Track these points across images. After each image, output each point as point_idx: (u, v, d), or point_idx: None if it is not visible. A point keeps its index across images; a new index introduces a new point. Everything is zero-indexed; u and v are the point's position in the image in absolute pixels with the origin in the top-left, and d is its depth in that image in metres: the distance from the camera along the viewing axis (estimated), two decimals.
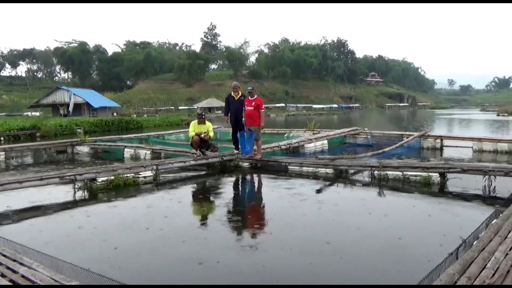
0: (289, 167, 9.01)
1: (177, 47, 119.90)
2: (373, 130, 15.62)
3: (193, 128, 9.57)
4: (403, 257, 4.04)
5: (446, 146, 13.08)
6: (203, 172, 9.46)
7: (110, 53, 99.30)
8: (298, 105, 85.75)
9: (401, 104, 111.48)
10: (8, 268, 3.25)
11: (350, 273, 3.70)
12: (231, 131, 10.45)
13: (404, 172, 7.58)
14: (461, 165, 7.48)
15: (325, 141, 13.23)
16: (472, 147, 12.32)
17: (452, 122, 35.21)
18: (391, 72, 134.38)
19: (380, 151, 10.78)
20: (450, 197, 6.68)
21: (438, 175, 7.32)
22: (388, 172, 7.78)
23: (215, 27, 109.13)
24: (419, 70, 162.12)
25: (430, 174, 7.35)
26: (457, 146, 12.96)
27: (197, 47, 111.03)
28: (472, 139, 12.77)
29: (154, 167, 8.39)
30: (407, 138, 12.87)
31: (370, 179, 7.91)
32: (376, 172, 7.88)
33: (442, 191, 6.99)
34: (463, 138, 13.34)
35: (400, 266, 3.79)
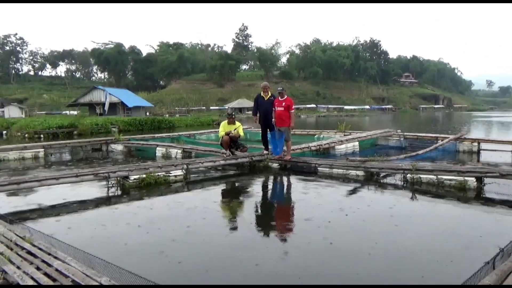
0: (318, 168, 8.91)
1: (209, 48, 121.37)
2: (406, 132, 15.23)
3: (223, 128, 9.65)
4: (438, 266, 3.90)
5: (484, 149, 12.55)
6: (233, 172, 9.51)
7: (144, 54, 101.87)
8: (329, 106, 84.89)
9: (436, 106, 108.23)
10: (43, 261, 3.38)
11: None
12: (260, 131, 10.45)
13: (439, 176, 7.34)
14: (499, 170, 7.15)
15: (356, 143, 13.01)
16: (511, 152, 11.78)
17: (490, 125, 33.82)
18: (426, 73, 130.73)
19: (413, 153, 10.49)
20: (487, 203, 6.40)
21: (475, 180, 7.03)
22: (422, 176, 7.55)
23: (246, 28, 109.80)
24: (456, 71, 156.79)
25: (466, 178, 7.08)
26: (495, 150, 12.40)
27: (228, 47, 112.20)
28: None
29: (185, 166, 8.51)
30: (442, 140, 12.46)
31: (402, 182, 7.70)
32: (408, 175, 7.67)
33: (478, 197, 6.71)
34: (502, 142, 12.77)
35: (434, 274, 3.66)
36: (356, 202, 6.54)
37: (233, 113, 9.99)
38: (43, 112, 56.46)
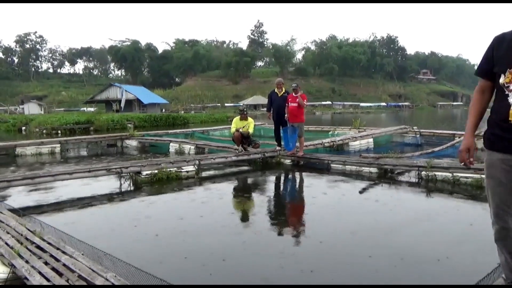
0: (331, 165, 8.81)
1: (225, 45, 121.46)
2: (423, 129, 14.94)
3: (235, 124, 9.63)
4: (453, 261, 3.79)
5: None
6: (245, 168, 9.47)
7: (160, 51, 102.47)
8: (345, 103, 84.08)
9: (455, 103, 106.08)
10: (51, 256, 3.39)
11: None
12: (274, 127, 10.39)
13: (454, 174, 7.15)
14: None
15: (371, 140, 12.82)
16: None
17: None
18: (444, 69, 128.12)
19: (429, 150, 10.28)
20: None
21: None
22: (437, 173, 7.38)
23: (262, 25, 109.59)
24: (476, 67, 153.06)
25: (483, 176, 6.86)
26: None
27: (244, 44, 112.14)
28: None
29: (197, 162, 8.51)
30: (459, 138, 12.18)
31: (416, 179, 7.55)
32: (423, 172, 7.51)
33: None
34: None
35: (448, 276, 3.55)
36: (369, 199, 6.43)
37: (245, 109, 9.96)
38: (62, 109, 57.40)
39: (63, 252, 3.44)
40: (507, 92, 2.18)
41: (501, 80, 2.21)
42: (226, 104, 70.83)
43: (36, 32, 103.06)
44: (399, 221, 5.17)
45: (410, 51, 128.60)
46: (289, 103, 9.29)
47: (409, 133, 14.32)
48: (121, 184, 7.53)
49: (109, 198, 6.78)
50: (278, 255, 4.02)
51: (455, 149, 11.38)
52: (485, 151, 2.41)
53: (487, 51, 2.36)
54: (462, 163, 2.45)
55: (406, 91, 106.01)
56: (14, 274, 3.23)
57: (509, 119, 2.15)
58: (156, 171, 7.80)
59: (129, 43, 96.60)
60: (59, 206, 6.18)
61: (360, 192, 6.97)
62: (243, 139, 9.60)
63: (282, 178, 8.86)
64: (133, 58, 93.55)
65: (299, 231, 4.94)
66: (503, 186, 2.27)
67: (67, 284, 2.91)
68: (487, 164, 2.40)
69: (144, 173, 7.76)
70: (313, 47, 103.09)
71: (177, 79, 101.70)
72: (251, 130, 9.68)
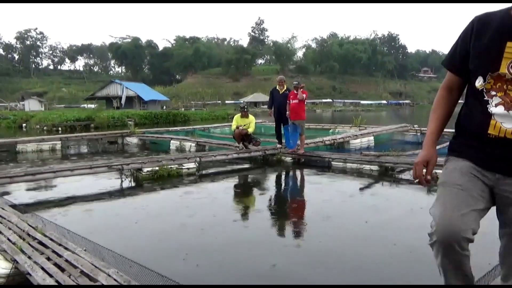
0: (332, 163, 8.82)
1: (225, 42, 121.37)
2: (423, 127, 14.94)
3: (236, 122, 9.64)
4: None
5: None
6: (246, 166, 9.49)
7: (161, 48, 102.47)
8: (346, 100, 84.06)
9: None
10: (54, 252, 3.41)
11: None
12: (274, 125, 10.39)
13: None
14: None
15: (371, 138, 12.83)
16: None
17: None
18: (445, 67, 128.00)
19: None
20: None
21: None
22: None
23: (262, 22, 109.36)
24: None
25: None
26: None
27: (244, 42, 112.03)
28: None
29: (197, 159, 8.52)
30: None
31: None
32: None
33: None
34: None
35: None
36: (369, 196, 6.45)
37: (246, 107, 9.97)
38: (62, 106, 57.43)
39: (65, 248, 3.45)
40: (486, 98, 1.63)
41: (478, 83, 1.65)
42: (226, 102, 70.81)
43: (36, 28, 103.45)
44: (399, 217, 5.18)
45: (411, 49, 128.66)
46: (291, 101, 9.29)
47: (409, 131, 14.33)
48: (122, 181, 7.54)
49: (110, 194, 6.79)
50: (282, 248, 4.04)
51: None
52: (448, 159, 1.91)
53: (463, 35, 1.71)
54: (416, 180, 1.83)
55: (407, 89, 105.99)
56: (17, 269, 3.24)
57: (489, 132, 1.62)
58: (157, 168, 7.81)
59: (129, 40, 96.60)
60: (60, 203, 6.20)
61: (361, 189, 6.98)
62: (244, 137, 9.60)
63: (283, 175, 8.87)
64: (133, 55, 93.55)
65: (299, 228, 4.96)
66: (467, 191, 1.67)
67: (71, 280, 2.92)
68: (449, 170, 1.83)
69: (145, 170, 7.77)
70: (314, 45, 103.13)
71: (177, 76, 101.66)
72: (251, 130, 9.68)
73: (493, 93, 1.60)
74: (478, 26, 1.64)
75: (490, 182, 1.67)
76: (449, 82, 1.84)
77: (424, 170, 1.81)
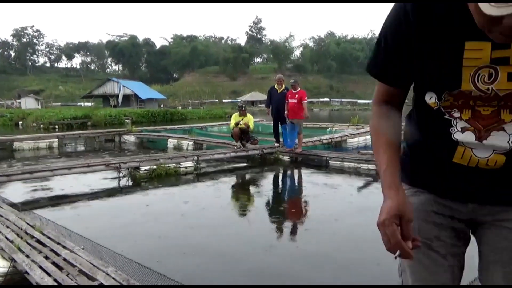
0: (330, 161, 8.83)
1: (223, 41, 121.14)
2: None
3: (234, 120, 9.63)
4: None
5: None
6: (244, 164, 9.49)
7: (158, 46, 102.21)
8: (343, 100, 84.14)
9: None
10: (52, 250, 3.40)
11: None
12: (272, 124, 10.39)
13: None
14: None
15: (369, 137, 12.82)
16: None
17: None
18: None
19: None
20: None
21: None
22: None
23: (260, 21, 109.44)
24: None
25: None
26: None
27: (242, 40, 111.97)
28: None
29: (195, 157, 8.51)
30: None
31: None
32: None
33: None
34: None
35: None
36: (367, 195, 6.47)
37: (243, 105, 9.98)
38: (59, 104, 57.14)
39: (63, 247, 3.44)
40: (447, 116, 1.06)
41: (430, 99, 1.07)
42: (224, 100, 70.72)
43: (33, 26, 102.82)
44: None
45: None
46: (289, 100, 9.29)
47: None
48: (119, 180, 7.53)
49: (108, 193, 6.78)
50: (280, 247, 4.04)
51: None
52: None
53: (393, 31, 1.05)
54: (396, 255, 0.99)
55: None
56: (15, 268, 3.23)
57: (455, 161, 1.08)
58: (154, 167, 7.79)
59: (126, 38, 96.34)
60: (57, 201, 6.18)
61: (359, 188, 7.00)
62: (242, 135, 9.60)
63: (281, 174, 8.88)
64: (130, 53, 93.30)
65: (296, 227, 4.97)
66: (431, 225, 1.19)
67: (69, 279, 2.91)
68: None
69: (143, 168, 7.75)
70: (311, 44, 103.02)
71: (175, 75, 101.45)
72: (251, 125, 9.70)
73: (456, 114, 1.05)
74: (415, 16, 0.99)
75: (464, 216, 1.19)
76: (387, 95, 1.17)
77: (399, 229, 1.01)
